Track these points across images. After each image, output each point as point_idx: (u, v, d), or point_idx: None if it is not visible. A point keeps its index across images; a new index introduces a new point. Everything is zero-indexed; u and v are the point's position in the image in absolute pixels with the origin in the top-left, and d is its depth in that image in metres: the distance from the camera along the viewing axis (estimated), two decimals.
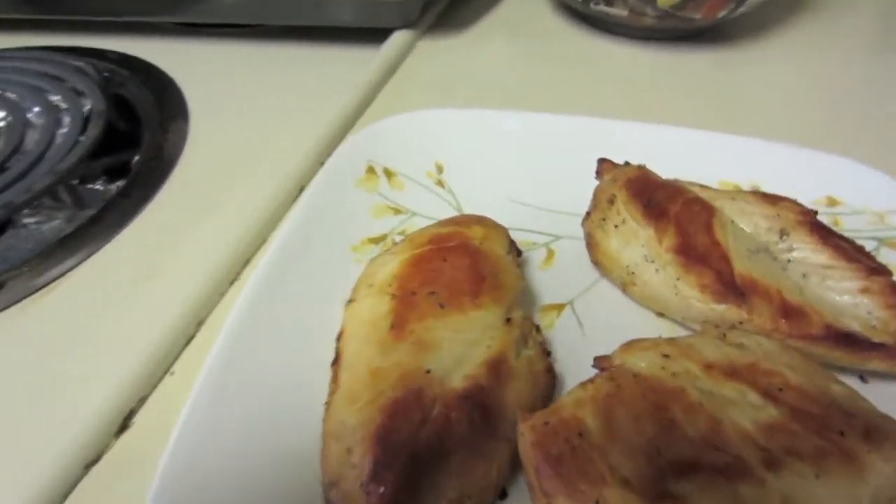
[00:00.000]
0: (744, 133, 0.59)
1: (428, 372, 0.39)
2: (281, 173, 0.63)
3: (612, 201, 0.50)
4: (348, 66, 0.80)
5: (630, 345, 0.41)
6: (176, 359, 0.49)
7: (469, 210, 0.56)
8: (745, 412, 0.36)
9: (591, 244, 0.50)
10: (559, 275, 0.51)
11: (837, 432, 0.36)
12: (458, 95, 0.76)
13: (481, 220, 0.49)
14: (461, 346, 0.40)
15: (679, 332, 0.46)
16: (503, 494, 0.39)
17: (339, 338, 0.42)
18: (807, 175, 0.55)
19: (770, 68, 0.80)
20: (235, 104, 0.78)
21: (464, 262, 0.44)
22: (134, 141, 0.75)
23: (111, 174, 0.79)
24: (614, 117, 0.61)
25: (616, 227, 0.49)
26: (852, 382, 0.43)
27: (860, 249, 0.46)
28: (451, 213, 0.56)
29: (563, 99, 0.75)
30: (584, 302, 0.49)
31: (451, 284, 0.42)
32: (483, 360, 0.40)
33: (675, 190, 0.50)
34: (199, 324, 0.51)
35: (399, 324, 0.41)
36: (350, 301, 0.44)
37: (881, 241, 0.51)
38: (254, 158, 0.68)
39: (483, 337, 0.41)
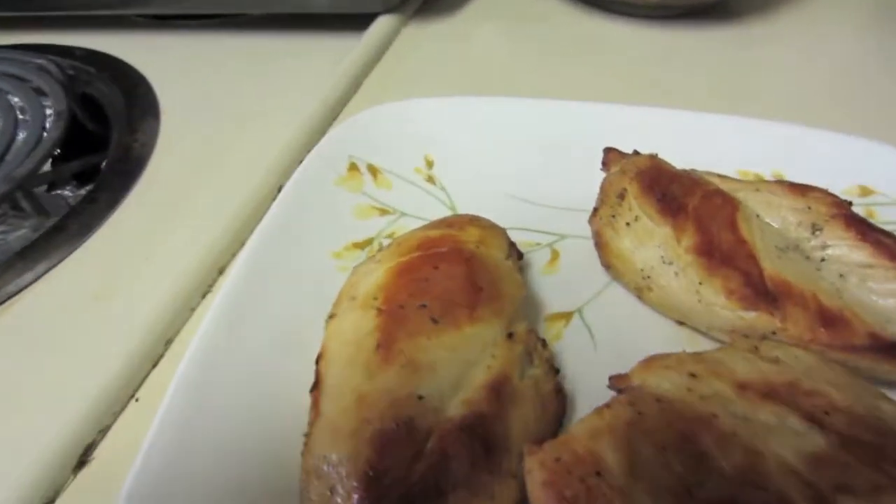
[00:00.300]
0: (760, 117, 0.55)
1: (420, 398, 0.34)
2: (257, 173, 0.59)
3: (622, 196, 0.45)
4: (329, 55, 0.75)
5: (651, 362, 0.36)
6: (141, 383, 0.45)
7: (464, 208, 0.51)
8: (787, 441, 0.31)
9: (601, 244, 0.45)
10: (566, 279, 0.47)
11: (893, 462, 0.31)
12: (447, 84, 0.71)
13: (476, 221, 0.44)
14: (458, 367, 0.36)
15: (703, 343, 0.41)
16: None
17: (319, 359, 0.38)
18: (836, 162, 0.50)
19: (783, 46, 0.75)
20: (210, 100, 0.73)
21: (458, 270, 0.39)
22: (105, 142, 0.71)
23: (82, 178, 0.75)
24: (619, 102, 0.56)
25: (628, 224, 0.44)
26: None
27: None
28: (444, 212, 0.51)
29: (563, 84, 0.70)
30: (594, 309, 0.44)
31: (444, 296, 0.38)
32: (483, 383, 0.35)
33: (692, 182, 0.45)
34: (168, 342, 0.47)
35: (386, 343, 0.36)
36: (331, 316, 0.40)
37: None
38: (229, 157, 0.63)
39: (482, 356, 0.36)
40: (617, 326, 0.43)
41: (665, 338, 0.42)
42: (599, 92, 0.67)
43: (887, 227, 0.46)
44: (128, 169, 0.65)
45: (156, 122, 0.71)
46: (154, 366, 0.45)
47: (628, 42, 0.77)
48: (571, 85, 0.70)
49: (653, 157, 0.48)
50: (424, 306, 0.37)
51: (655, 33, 0.78)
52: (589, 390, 0.38)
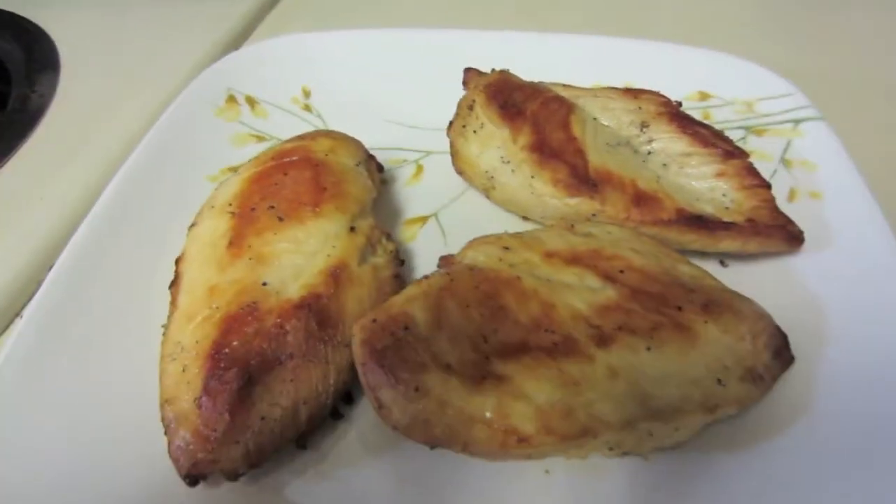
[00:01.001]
0: (625, 34, 0.59)
1: (265, 285, 0.38)
2: (151, 115, 0.61)
3: (471, 107, 0.49)
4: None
5: (474, 241, 0.40)
6: (25, 304, 0.47)
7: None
8: (582, 295, 0.36)
9: (454, 153, 0.49)
10: (427, 189, 0.50)
11: (675, 307, 0.35)
12: (348, 16, 0.73)
13: (329, 133, 0.47)
14: (300, 257, 0.39)
15: None
16: (349, 399, 0.38)
17: (178, 261, 0.41)
18: (679, 71, 0.55)
19: None
20: (112, 46, 0.75)
21: (305, 175, 0.42)
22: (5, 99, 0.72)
23: None
24: (487, 29, 0.59)
25: (475, 132, 0.48)
26: (712, 267, 0.43)
27: (718, 134, 0.46)
28: None
29: (460, 9, 0.72)
30: (449, 213, 0.48)
31: (290, 197, 0.41)
32: (322, 270, 0.39)
33: (534, 90, 0.49)
34: (50, 268, 0.49)
35: (237, 241, 0.40)
36: (192, 225, 0.43)
37: (749, 130, 0.51)
38: (128, 99, 0.66)
39: (323, 246, 0.40)
40: (468, 225, 0.46)
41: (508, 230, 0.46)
42: (495, 15, 0.70)
43: (720, 125, 0.50)
44: (23, 120, 0.66)
45: (55, 75, 0.72)
46: (38, 287, 0.48)
47: None
48: (469, 9, 0.72)
49: (503, 72, 0.51)
50: (273, 207, 0.41)
51: None
52: None
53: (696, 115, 0.51)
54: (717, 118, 0.52)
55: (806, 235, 0.43)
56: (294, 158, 0.43)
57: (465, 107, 0.49)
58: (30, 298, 0.48)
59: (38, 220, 0.53)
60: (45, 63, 0.74)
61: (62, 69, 0.73)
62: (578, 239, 0.39)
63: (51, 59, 0.75)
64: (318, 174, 0.42)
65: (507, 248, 0.38)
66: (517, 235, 0.40)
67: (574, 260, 0.38)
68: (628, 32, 0.59)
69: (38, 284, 0.48)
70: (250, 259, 0.39)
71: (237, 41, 0.71)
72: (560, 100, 0.48)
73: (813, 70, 0.59)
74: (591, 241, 0.39)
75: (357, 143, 0.47)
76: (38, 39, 0.78)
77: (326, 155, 0.44)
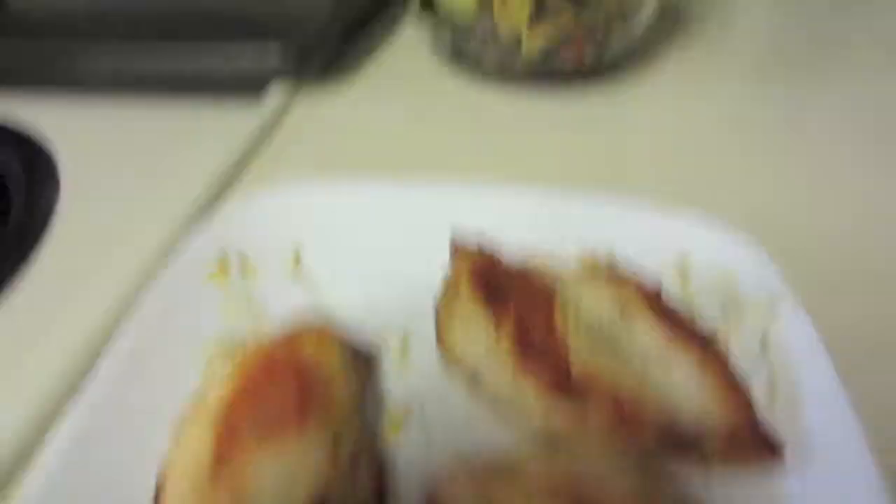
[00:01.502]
0: (614, 188, 0.58)
1: None
2: (148, 252, 0.59)
3: (456, 291, 0.47)
4: (228, 122, 0.75)
5: (452, 470, 0.38)
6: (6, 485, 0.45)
7: (329, 301, 0.53)
8: None
9: (439, 338, 0.47)
10: (413, 372, 0.48)
11: None
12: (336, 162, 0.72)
13: (317, 332, 0.45)
14: (284, 482, 0.37)
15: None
16: None
17: (161, 472, 0.39)
18: (661, 238, 0.53)
19: (656, 109, 0.76)
20: (111, 169, 0.74)
21: (289, 387, 0.40)
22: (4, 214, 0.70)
23: None
24: (490, 176, 0.60)
25: (460, 319, 0.46)
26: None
27: (699, 330, 0.44)
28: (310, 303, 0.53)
29: (446, 159, 0.70)
30: (434, 402, 0.46)
31: (274, 414, 0.39)
32: (304, 497, 0.37)
33: (519, 275, 0.47)
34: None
35: (218, 462, 0.38)
36: (176, 427, 0.41)
37: (727, 308, 0.49)
38: (128, 232, 0.63)
39: (306, 473, 0.38)
40: (452, 419, 0.45)
41: (496, 429, 0.44)
42: (484, 166, 0.68)
43: (699, 301, 0.49)
44: (22, 245, 0.64)
45: (55, 195, 0.71)
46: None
47: (508, 110, 0.77)
48: (455, 158, 0.70)
49: (489, 251, 0.49)
50: (256, 426, 0.39)
51: (535, 100, 0.77)
52: (417, 485, 0.40)
53: (675, 286, 0.50)
54: (696, 287, 0.51)
55: (786, 441, 0.41)
56: (279, 365, 0.42)
57: (451, 290, 0.47)
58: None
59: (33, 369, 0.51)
60: (43, 183, 0.72)
61: (63, 189, 0.71)
62: (560, 467, 0.38)
63: (49, 178, 0.73)
64: (302, 386, 0.40)
65: (484, 487, 0.36)
66: (495, 466, 0.38)
67: (554, 495, 0.36)
68: (610, 187, 0.57)
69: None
70: (229, 490, 0.37)
71: (239, 169, 0.70)
72: (545, 287, 0.46)
73: (787, 233, 0.57)
74: (574, 464, 0.38)
75: (343, 343, 0.45)
76: (37, 155, 0.76)
77: (313, 357, 0.42)
